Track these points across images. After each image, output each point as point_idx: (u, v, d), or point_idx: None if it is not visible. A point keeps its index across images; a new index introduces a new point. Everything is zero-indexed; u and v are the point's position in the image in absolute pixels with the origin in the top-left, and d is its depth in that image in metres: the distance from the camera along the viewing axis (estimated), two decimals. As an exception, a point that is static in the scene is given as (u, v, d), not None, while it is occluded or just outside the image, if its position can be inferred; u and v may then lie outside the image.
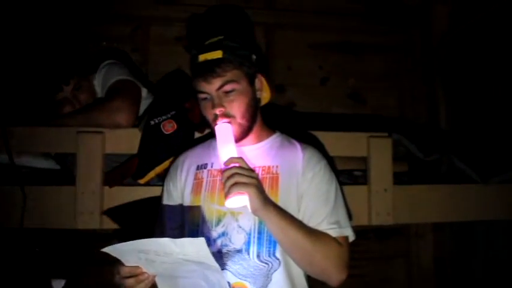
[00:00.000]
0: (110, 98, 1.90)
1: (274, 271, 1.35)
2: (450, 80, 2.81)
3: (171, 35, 2.78)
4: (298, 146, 1.49)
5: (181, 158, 1.57)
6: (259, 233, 1.35)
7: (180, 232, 1.46)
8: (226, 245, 1.36)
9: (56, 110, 1.94)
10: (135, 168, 1.80)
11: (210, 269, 1.15)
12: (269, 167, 1.43)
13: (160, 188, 1.63)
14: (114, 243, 1.11)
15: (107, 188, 1.79)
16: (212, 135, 1.46)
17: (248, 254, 1.34)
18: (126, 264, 1.20)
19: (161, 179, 1.78)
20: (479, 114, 2.54)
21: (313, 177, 1.42)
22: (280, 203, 1.35)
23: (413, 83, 3.02)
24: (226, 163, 1.26)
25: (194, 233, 1.40)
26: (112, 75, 1.97)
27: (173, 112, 1.85)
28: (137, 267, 1.19)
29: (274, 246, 1.35)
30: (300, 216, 1.38)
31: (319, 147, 1.66)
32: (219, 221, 1.39)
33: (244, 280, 1.34)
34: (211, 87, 1.36)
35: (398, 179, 2.01)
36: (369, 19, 3.01)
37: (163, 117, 1.83)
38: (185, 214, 1.46)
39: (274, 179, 1.41)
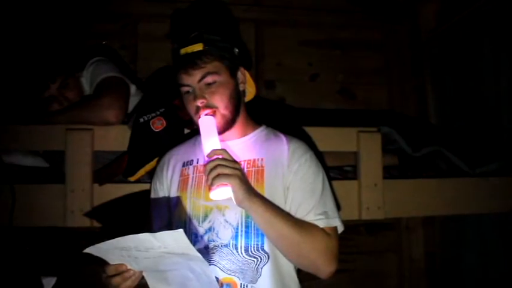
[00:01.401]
0: (98, 95, 1.90)
1: (264, 265, 1.34)
2: (439, 75, 2.83)
3: (160, 32, 2.76)
4: (283, 138, 1.49)
5: (167, 157, 1.58)
6: (247, 226, 1.35)
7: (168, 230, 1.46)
8: (213, 240, 1.35)
9: (44, 108, 1.93)
10: (125, 166, 1.80)
11: (193, 259, 1.15)
12: (254, 160, 1.43)
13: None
14: (96, 243, 1.11)
15: (96, 185, 1.78)
16: (197, 132, 1.46)
17: (236, 248, 1.34)
18: (111, 262, 1.20)
19: (151, 177, 1.78)
20: (467, 108, 2.56)
21: (299, 168, 1.42)
22: (266, 196, 1.35)
23: (402, 78, 3.03)
24: (209, 155, 1.27)
25: None
26: (100, 72, 1.97)
27: (162, 109, 1.85)
28: (122, 264, 1.19)
29: (262, 240, 1.34)
30: (287, 208, 1.38)
31: (307, 141, 1.66)
32: (205, 217, 1.38)
33: (233, 275, 1.32)
34: (193, 79, 1.38)
35: (388, 173, 2.02)
36: (358, 15, 3.02)
37: (153, 114, 1.83)
38: (172, 211, 1.46)
39: (260, 172, 1.41)
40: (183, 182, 1.46)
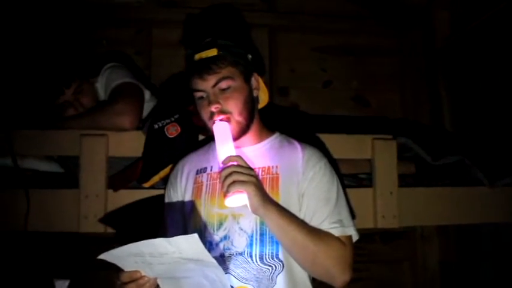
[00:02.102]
0: (113, 100, 1.90)
1: (278, 274, 1.32)
2: (453, 82, 2.80)
3: (174, 37, 2.77)
4: (298, 145, 1.48)
5: (180, 164, 1.57)
6: (261, 234, 1.34)
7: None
8: (228, 249, 1.34)
9: (59, 113, 1.94)
10: (139, 172, 1.79)
11: (208, 266, 1.14)
12: (269, 167, 1.42)
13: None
14: (112, 249, 1.10)
15: (111, 191, 1.79)
16: (211, 139, 1.46)
17: (250, 256, 1.32)
18: (125, 269, 1.19)
19: (166, 183, 1.77)
20: (483, 116, 2.53)
21: (314, 176, 1.40)
22: (281, 204, 1.34)
23: (417, 85, 3.01)
24: (224, 162, 1.26)
25: None
26: (115, 78, 1.97)
27: (177, 115, 1.85)
28: (136, 271, 1.18)
29: (277, 248, 1.33)
30: (301, 216, 1.36)
31: (321, 148, 1.66)
32: (220, 225, 1.37)
33: (248, 284, 1.31)
34: (207, 84, 1.37)
35: (404, 181, 2.00)
36: (372, 21, 3.01)
37: (167, 120, 1.83)
38: (187, 220, 1.45)
39: (275, 179, 1.40)
40: (197, 190, 1.45)
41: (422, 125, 2.83)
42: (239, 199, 1.23)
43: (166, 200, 1.55)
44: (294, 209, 1.36)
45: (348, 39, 3.01)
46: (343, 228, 1.37)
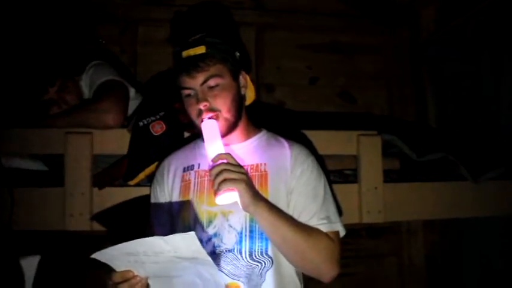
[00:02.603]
0: (98, 98, 1.89)
1: (267, 270, 1.33)
2: (438, 78, 2.83)
3: (159, 35, 2.77)
4: (285, 143, 1.49)
5: (166, 162, 1.55)
6: (251, 231, 1.34)
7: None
8: (218, 246, 1.34)
9: (43, 111, 1.93)
10: (125, 170, 1.79)
11: (203, 264, 1.14)
12: (257, 165, 1.42)
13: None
14: (104, 247, 1.09)
15: (96, 189, 1.78)
16: (197, 136, 1.47)
17: (240, 253, 1.33)
18: (117, 269, 1.18)
19: (151, 180, 1.77)
20: (466, 112, 2.56)
21: (302, 173, 1.41)
22: (270, 201, 1.34)
23: (402, 81, 3.03)
24: (214, 160, 1.26)
25: None
26: (99, 76, 1.96)
27: (162, 113, 1.84)
28: (129, 271, 1.17)
29: (266, 245, 1.34)
30: (289, 213, 1.37)
31: (308, 145, 1.66)
32: (210, 222, 1.37)
33: (238, 280, 1.32)
34: (195, 81, 1.36)
35: (389, 176, 2.02)
36: (357, 19, 3.02)
37: (152, 118, 1.82)
38: (175, 218, 1.44)
39: (263, 177, 1.40)
40: (185, 188, 1.44)
41: (407, 121, 2.86)
42: (230, 197, 1.23)
43: (153, 199, 1.53)
44: (282, 206, 1.36)
45: (334, 37, 3.02)
46: (330, 224, 1.38)
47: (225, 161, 1.25)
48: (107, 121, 1.80)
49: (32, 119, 1.88)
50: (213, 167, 1.23)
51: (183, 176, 1.47)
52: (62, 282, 1.82)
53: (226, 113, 1.38)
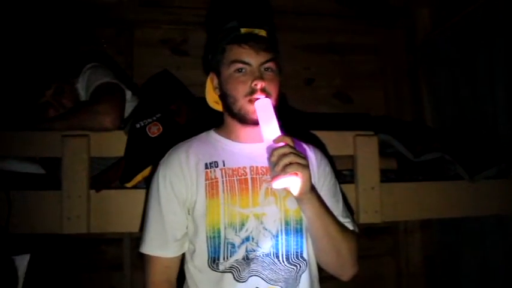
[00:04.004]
0: (94, 101, 1.89)
1: (302, 273, 1.32)
2: (434, 78, 2.83)
3: (155, 37, 2.77)
4: (304, 145, 1.46)
5: (182, 151, 1.39)
6: (287, 234, 1.31)
7: (182, 243, 1.37)
8: (252, 250, 1.29)
9: (40, 114, 1.92)
10: (121, 172, 1.79)
11: None
12: None
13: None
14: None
15: (93, 191, 1.77)
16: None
17: (277, 257, 1.30)
18: None
19: (148, 182, 1.77)
20: (462, 111, 2.56)
21: (325, 175, 1.42)
22: None
23: (398, 81, 3.04)
24: (277, 140, 1.19)
25: (214, 240, 1.29)
26: (96, 78, 1.96)
27: (159, 115, 1.84)
28: None
29: (301, 248, 1.33)
30: None
31: (321, 146, 1.69)
32: (242, 225, 1.30)
33: (276, 285, 1.29)
34: (258, 58, 1.31)
35: (386, 176, 2.02)
36: (353, 19, 3.03)
37: (149, 120, 1.82)
38: (198, 219, 1.33)
39: None
40: (212, 186, 1.33)
41: (403, 121, 2.86)
42: (289, 182, 1.17)
43: (162, 199, 1.35)
44: None
45: (330, 37, 3.03)
46: (352, 223, 1.42)
47: (288, 143, 1.19)
48: (104, 123, 1.80)
49: (28, 122, 1.88)
50: (276, 148, 1.17)
51: (206, 173, 1.35)
52: (56, 285, 1.81)
53: (274, 100, 1.32)
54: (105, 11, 2.69)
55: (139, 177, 1.76)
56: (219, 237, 1.29)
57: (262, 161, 1.33)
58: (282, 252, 1.30)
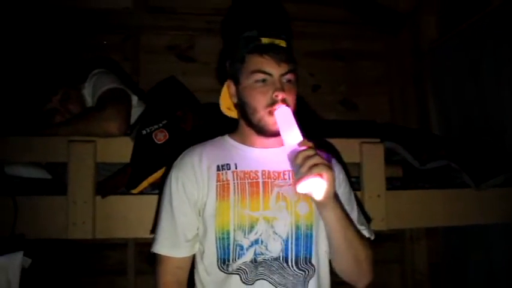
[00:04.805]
0: (100, 107, 1.89)
1: (310, 278, 1.32)
2: (440, 85, 2.83)
3: (161, 43, 2.79)
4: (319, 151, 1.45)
5: (196, 154, 1.39)
6: (297, 238, 1.31)
7: (193, 243, 1.37)
8: (261, 254, 1.29)
9: (47, 120, 1.93)
10: (128, 178, 1.79)
11: None
12: None
13: (154, 196, 1.63)
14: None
15: (99, 197, 1.77)
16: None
17: (286, 261, 1.30)
18: None
19: (154, 188, 1.77)
20: (468, 118, 2.56)
21: (340, 182, 1.42)
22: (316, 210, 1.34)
23: (404, 88, 3.04)
24: (300, 144, 1.20)
25: (223, 241, 1.30)
26: (102, 84, 1.96)
27: (165, 121, 1.84)
28: None
29: (311, 253, 1.32)
30: None
31: (334, 152, 1.70)
32: (251, 228, 1.30)
33: None
34: (279, 70, 1.31)
35: (391, 184, 2.01)
36: (359, 26, 3.04)
37: (155, 126, 1.82)
38: (208, 220, 1.33)
39: None
40: (223, 188, 1.33)
41: (409, 129, 2.85)
42: (314, 184, 1.16)
43: (175, 200, 1.36)
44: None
45: (335, 44, 3.04)
46: (368, 230, 1.44)
47: (311, 146, 1.19)
48: (110, 129, 1.80)
49: (35, 128, 1.88)
50: (301, 151, 1.16)
51: (218, 175, 1.35)
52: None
53: (292, 112, 1.31)
54: (112, 17, 2.70)
55: (145, 184, 1.76)
56: (228, 238, 1.29)
57: (274, 165, 1.35)
58: (292, 256, 1.30)
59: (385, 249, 2.86)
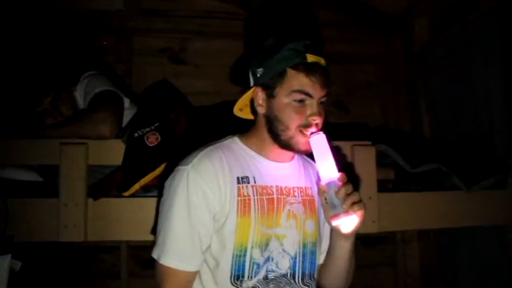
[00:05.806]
0: (92, 109, 1.89)
1: None
2: (432, 88, 2.84)
3: (154, 46, 2.79)
4: (314, 165, 1.38)
5: (211, 161, 1.25)
6: (304, 255, 1.33)
7: (204, 256, 1.26)
8: (272, 271, 1.28)
9: (38, 122, 1.93)
10: (119, 181, 1.79)
11: None
12: (306, 188, 1.38)
13: (146, 199, 1.63)
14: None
15: (90, 200, 1.77)
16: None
17: (293, 278, 1.31)
18: None
19: (146, 191, 1.77)
20: (460, 121, 2.57)
21: None
22: (320, 227, 1.38)
23: (396, 91, 3.05)
24: (341, 179, 1.18)
25: (239, 258, 1.24)
26: (94, 87, 1.96)
27: (157, 124, 1.83)
28: None
29: (314, 269, 1.35)
30: (323, 235, 1.41)
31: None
32: (266, 246, 1.26)
33: None
34: (319, 92, 1.23)
35: (383, 186, 2.02)
36: (352, 29, 3.05)
37: (147, 129, 1.81)
38: (227, 237, 1.24)
39: (312, 202, 1.37)
40: (244, 204, 1.25)
41: (401, 132, 2.86)
42: (351, 220, 1.19)
43: (192, 208, 1.21)
44: (326, 233, 1.41)
45: (328, 47, 3.01)
46: None
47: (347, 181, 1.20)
48: (102, 132, 1.80)
49: (26, 130, 1.88)
50: (341, 187, 1.18)
51: (239, 189, 1.26)
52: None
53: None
54: (105, 19, 2.70)
55: (137, 187, 1.75)
56: (244, 255, 1.24)
57: (285, 181, 1.33)
58: (299, 273, 1.32)
59: (376, 251, 2.87)
